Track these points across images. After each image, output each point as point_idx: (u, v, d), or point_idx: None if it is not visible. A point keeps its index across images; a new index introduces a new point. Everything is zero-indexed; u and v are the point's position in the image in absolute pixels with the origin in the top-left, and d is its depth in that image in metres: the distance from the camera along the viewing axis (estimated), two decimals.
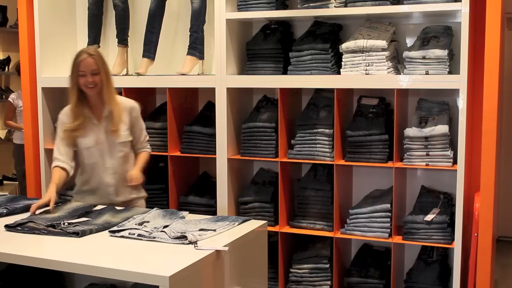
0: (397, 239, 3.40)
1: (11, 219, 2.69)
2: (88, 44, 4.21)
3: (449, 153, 3.27)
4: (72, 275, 2.81)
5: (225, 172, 3.70)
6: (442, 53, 3.22)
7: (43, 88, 4.20)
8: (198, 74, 3.93)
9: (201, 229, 2.51)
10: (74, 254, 2.29)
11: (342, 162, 3.51)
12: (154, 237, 2.41)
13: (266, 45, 3.67)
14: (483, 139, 3.17)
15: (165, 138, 3.87)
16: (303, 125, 3.59)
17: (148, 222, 2.62)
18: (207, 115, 3.95)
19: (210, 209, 3.81)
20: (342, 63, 3.45)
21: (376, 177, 3.72)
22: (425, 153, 3.29)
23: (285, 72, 3.63)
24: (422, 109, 3.48)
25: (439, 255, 3.51)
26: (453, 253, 3.25)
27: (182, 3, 4.11)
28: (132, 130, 3.19)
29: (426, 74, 3.26)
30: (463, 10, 3.13)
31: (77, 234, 2.48)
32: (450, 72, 3.27)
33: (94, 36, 4.22)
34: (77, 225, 2.57)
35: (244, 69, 3.80)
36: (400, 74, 3.38)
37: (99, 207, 2.94)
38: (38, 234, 2.52)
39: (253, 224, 2.68)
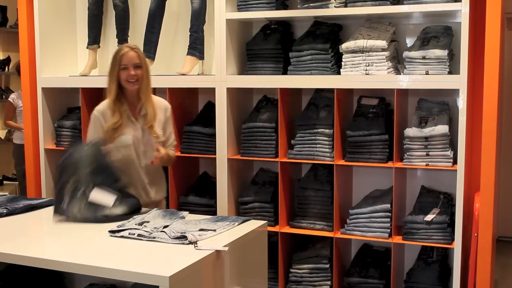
0: (397, 239, 3.40)
1: (15, 219, 2.67)
2: (88, 44, 4.21)
3: (449, 153, 3.27)
4: (72, 275, 2.81)
5: (225, 172, 3.70)
6: (442, 53, 3.22)
7: (43, 88, 4.20)
8: (198, 74, 3.93)
9: (201, 229, 2.51)
10: (74, 254, 2.29)
11: (342, 162, 3.51)
12: (154, 237, 2.41)
13: (266, 45, 3.67)
14: (483, 139, 3.17)
15: None
16: (303, 125, 3.59)
17: (148, 222, 2.62)
18: (207, 115, 3.95)
19: (210, 209, 3.81)
20: (342, 63, 3.45)
21: (376, 177, 3.72)
22: (425, 153, 3.29)
23: (285, 72, 3.63)
24: (422, 109, 3.48)
25: (439, 255, 3.51)
26: (453, 253, 3.25)
27: (182, 3, 4.11)
28: (163, 131, 3.13)
29: (426, 74, 3.26)
30: (463, 10, 3.13)
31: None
32: (450, 72, 3.27)
33: (94, 36, 4.22)
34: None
35: (244, 69, 3.80)
36: (400, 74, 3.38)
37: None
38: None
39: (253, 224, 2.68)
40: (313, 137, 3.55)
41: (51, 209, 2.97)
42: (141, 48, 3.98)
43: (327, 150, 3.52)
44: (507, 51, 5.08)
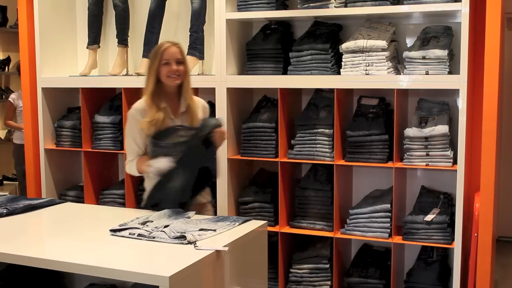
0: (397, 239, 3.40)
1: (15, 219, 2.68)
2: (88, 44, 4.21)
3: (449, 153, 3.27)
4: (72, 275, 2.81)
5: (225, 172, 3.70)
6: (442, 53, 3.22)
7: (43, 88, 4.20)
8: (198, 74, 3.93)
9: (201, 229, 2.51)
10: (74, 254, 2.29)
11: (342, 162, 3.51)
12: (154, 237, 2.41)
13: (266, 45, 3.67)
14: (483, 139, 3.17)
15: None
16: (303, 125, 3.59)
17: (152, 221, 2.61)
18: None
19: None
20: (342, 63, 3.45)
21: (376, 177, 3.72)
22: (425, 153, 3.29)
23: (285, 72, 3.63)
24: (422, 109, 3.48)
25: (439, 255, 3.51)
26: (453, 253, 3.25)
27: (182, 3, 4.11)
28: None
29: (426, 74, 3.26)
30: (463, 10, 3.13)
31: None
32: (450, 72, 3.27)
33: (94, 36, 4.22)
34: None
35: (244, 69, 3.80)
36: (400, 74, 3.38)
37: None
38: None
39: (253, 224, 2.68)
40: (313, 137, 3.55)
41: (51, 209, 2.98)
42: (141, 48, 4.01)
43: (327, 150, 3.52)
44: (507, 51, 5.08)
